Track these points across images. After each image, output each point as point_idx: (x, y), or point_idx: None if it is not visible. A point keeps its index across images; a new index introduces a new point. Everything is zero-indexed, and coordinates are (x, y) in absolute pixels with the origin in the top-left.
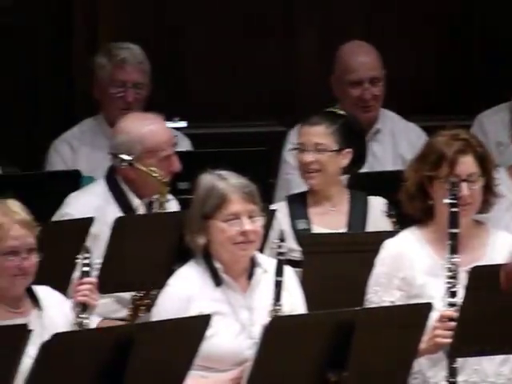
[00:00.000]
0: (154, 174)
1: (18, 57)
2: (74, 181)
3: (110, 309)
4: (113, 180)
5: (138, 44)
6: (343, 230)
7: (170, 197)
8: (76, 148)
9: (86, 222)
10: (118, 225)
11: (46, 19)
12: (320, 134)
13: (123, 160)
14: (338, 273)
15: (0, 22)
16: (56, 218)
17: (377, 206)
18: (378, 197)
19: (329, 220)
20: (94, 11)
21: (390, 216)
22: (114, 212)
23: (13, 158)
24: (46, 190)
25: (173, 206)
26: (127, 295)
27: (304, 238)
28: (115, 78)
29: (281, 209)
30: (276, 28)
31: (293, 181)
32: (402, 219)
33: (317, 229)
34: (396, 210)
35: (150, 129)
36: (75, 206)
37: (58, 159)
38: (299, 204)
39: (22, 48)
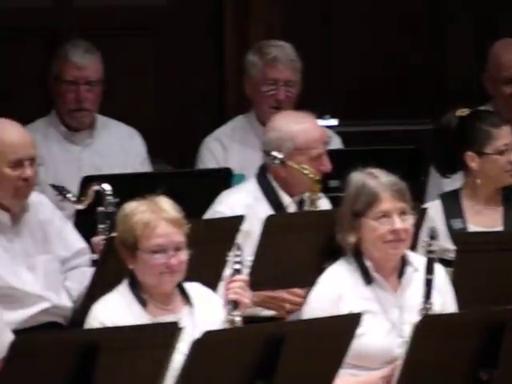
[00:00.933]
0: (306, 172)
1: (164, 59)
2: (225, 178)
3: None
4: (264, 178)
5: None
6: (499, 228)
7: (320, 194)
8: (227, 146)
9: (237, 220)
10: (269, 223)
11: (199, 18)
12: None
13: (275, 158)
14: (491, 271)
15: (157, 22)
16: (208, 216)
17: None
18: None
19: (484, 219)
20: (245, 10)
21: None
22: (265, 210)
23: (165, 156)
24: (197, 188)
25: (324, 203)
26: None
27: (458, 236)
28: (267, 76)
29: (434, 207)
30: (427, 28)
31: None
32: None
33: (473, 228)
34: None
35: (302, 127)
36: (226, 205)
37: (210, 157)
38: (453, 203)
39: (173, 48)
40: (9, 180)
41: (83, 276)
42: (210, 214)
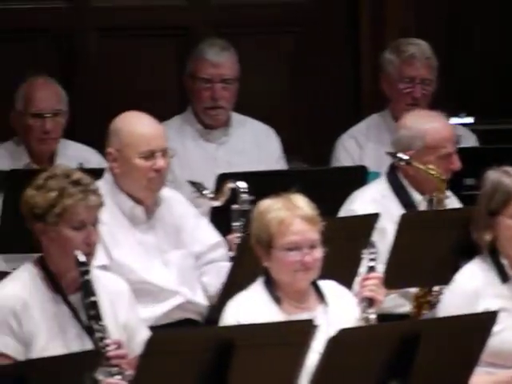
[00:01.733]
0: (432, 172)
1: (301, 57)
2: (360, 176)
3: (395, 303)
4: (394, 176)
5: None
6: None
7: (448, 193)
8: (362, 143)
9: (372, 218)
10: (404, 221)
11: (336, 17)
12: None
13: (401, 159)
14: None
15: (296, 20)
16: (342, 214)
17: None
18: None
19: None
20: (381, 10)
21: None
22: (396, 208)
23: (300, 154)
24: (332, 186)
25: (453, 202)
26: (412, 290)
27: None
28: (403, 74)
29: None
30: None
31: None
32: None
33: None
34: None
35: (432, 125)
36: (358, 203)
37: (345, 154)
38: None
39: (310, 47)
40: (141, 171)
41: (220, 271)
42: (343, 213)
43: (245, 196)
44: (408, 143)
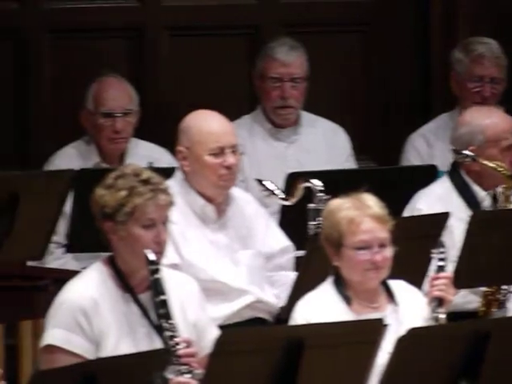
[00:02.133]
0: (499, 169)
1: (371, 56)
2: (430, 176)
3: (465, 300)
4: (456, 173)
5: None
6: None
7: None
8: (432, 143)
9: (442, 218)
10: (474, 220)
11: (405, 15)
12: None
13: (467, 156)
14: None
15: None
16: (407, 212)
17: None
18: None
19: None
20: (453, 10)
21: None
22: (460, 206)
23: (369, 153)
24: (402, 185)
25: None
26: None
27: None
28: (472, 73)
29: None
30: None
31: None
32: None
33: None
34: None
35: (491, 119)
36: (425, 202)
37: (415, 154)
38: None
39: (379, 46)
40: (211, 168)
41: (287, 283)
42: (408, 211)
43: (321, 195)
44: (469, 139)
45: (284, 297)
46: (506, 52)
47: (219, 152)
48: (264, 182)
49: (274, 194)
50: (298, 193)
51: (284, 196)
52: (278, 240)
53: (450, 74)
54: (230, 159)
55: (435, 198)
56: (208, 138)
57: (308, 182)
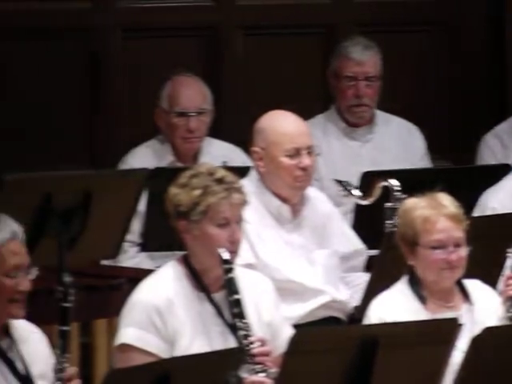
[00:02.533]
0: None
1: (444, 55)
2: (504, 175)
3: None
4: None
5: None
6: None
7: None
8: (506, 143)
9: None
10: None
11: (479, 13)
12: None
13: None
14: None
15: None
16: (478, 211)
17: None
18: None
19: None
20: None
21: None
22: None
23: (443, 152)
24: (476, 184)
25: None
26: None
27: None
28: None
29: None
30: None
31: None
32: None
33: None
34: None
35: None
36: (496, 200)
37: (489, 153)
38: None
39: (452, 42)
40: (287, 170)
41: (360, 284)
42: (478, 210)
43: (398, 194)
44: None
45: (357, 297)
46: None
47: (295, 153)
48: (343, 182)
49: (352, 193)
50: (376, 192)
51: (361, 195)
52: (353, 241)
53: None
54: (306, 160)
55: (506, 196)
56: (283, 139)
57: (385, 181)
